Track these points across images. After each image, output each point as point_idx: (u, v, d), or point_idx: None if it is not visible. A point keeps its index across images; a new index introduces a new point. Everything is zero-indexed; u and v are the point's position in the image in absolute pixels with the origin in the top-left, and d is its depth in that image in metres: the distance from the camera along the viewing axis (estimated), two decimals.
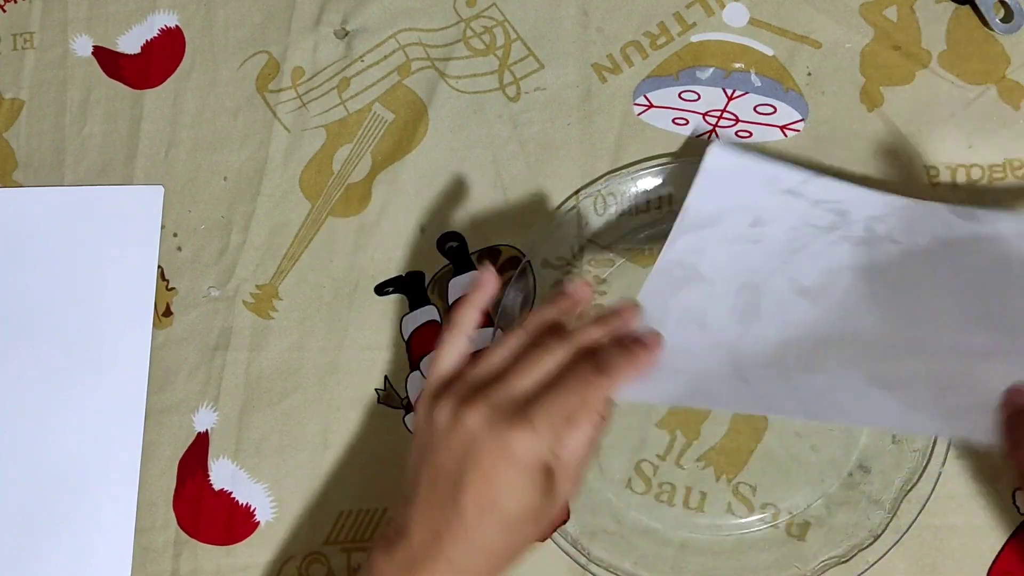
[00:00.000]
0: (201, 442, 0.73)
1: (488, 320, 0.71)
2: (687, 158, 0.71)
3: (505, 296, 0.71)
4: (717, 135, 0.72)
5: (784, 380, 0.60)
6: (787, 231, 0.65)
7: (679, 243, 0.65)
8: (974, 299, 0.63)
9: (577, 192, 0.73)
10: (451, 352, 0.60)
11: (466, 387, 0.57)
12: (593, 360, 0.56)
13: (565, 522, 0.68)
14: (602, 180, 0.72)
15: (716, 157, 0.65)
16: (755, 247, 0.65)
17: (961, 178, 0.70)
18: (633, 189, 0.72)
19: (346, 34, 0.79)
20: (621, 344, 0.58)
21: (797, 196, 0.65)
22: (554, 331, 0.58)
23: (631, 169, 0.72)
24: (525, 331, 0.59)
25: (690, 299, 0.64)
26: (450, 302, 0.73)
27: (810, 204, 0.65)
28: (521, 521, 0.55)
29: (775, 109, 0.73)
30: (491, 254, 0.73)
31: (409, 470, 0.58)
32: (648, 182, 0.72)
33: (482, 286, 0.61)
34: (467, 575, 0.55)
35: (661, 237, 0.70)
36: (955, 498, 0.64)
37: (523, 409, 0.54)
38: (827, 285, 0.64)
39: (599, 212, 0.72)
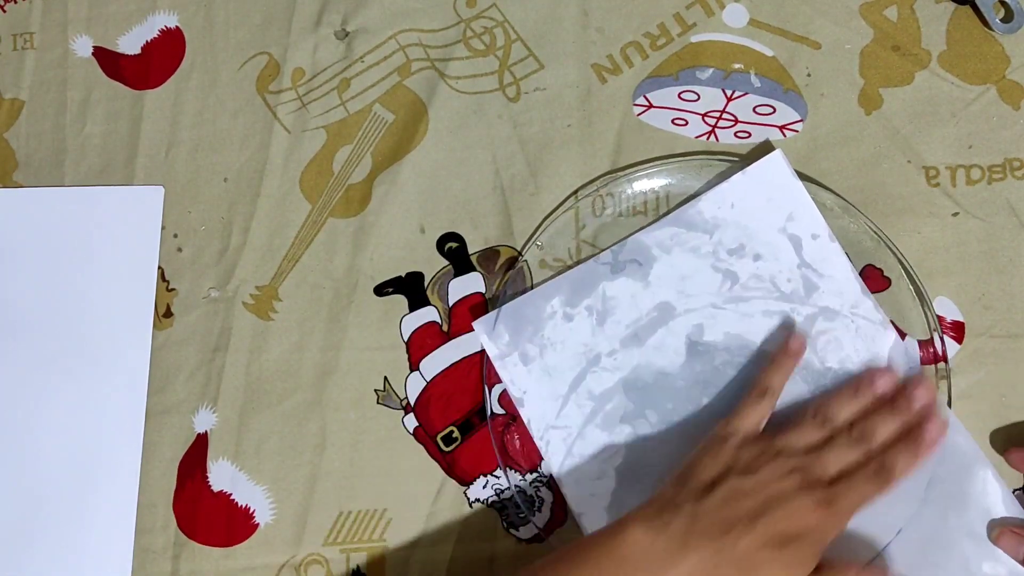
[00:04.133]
0: (201, 443, 0.73)
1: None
2: (685, 159, 0.71)
3: (502, 297, 0.71)
4: (716, 136, 0.72)
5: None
6: (750, 276, 0.69)
7: (662, 232, 0.71)
8: None
9: (575, 193, 0.73)
10: (755, 413, 0.64)
11: (784, 449, 0.62)
12: (880, 462, 0.61)
13: (563, 523, 0.68)
14: (600, 181, 0.72)
15: (774, 163, 0.70)
16: (711, 275, 0.70)
17: (961, 178, 0.70)
18: (630, 190, 0.72)
19: (346, 35, 0.79)
20: (907, 441, 0.62)
21: (795, 246, 0.69)
22: (854, 418, 0.64)
23: (629, 170, 0.72)
24: (834, 412, 0.64)
25: (615, 292, 0.70)
26: (450, 303, 0.73)
27: (794, 264, 0.69)
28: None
29: (774, 109, 0.72)
30: (490, 255, 0.73)
31: (690, 473, 0.62)
32: (645, 184, 0.72)
33: (795, 353, 0.66)
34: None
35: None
36: None
37: (829, 488, 0.60)
38: (712, 354, 0.69)
39: (597, 213, 0.72)
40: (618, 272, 0.70)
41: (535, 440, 0.69)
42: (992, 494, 0.64)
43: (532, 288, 0.71)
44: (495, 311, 0.71)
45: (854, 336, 0.67)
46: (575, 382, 0.69)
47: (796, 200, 0.69)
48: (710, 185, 0.71)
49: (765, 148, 0.71)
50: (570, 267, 0.71)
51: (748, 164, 0.70)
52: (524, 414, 0.69)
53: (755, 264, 0.69)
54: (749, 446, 0.62)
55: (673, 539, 0.58)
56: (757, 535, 0.58)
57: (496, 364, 0.70)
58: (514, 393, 0.70)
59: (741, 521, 0.58)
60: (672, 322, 0.69)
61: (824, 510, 0.59)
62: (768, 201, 0.70)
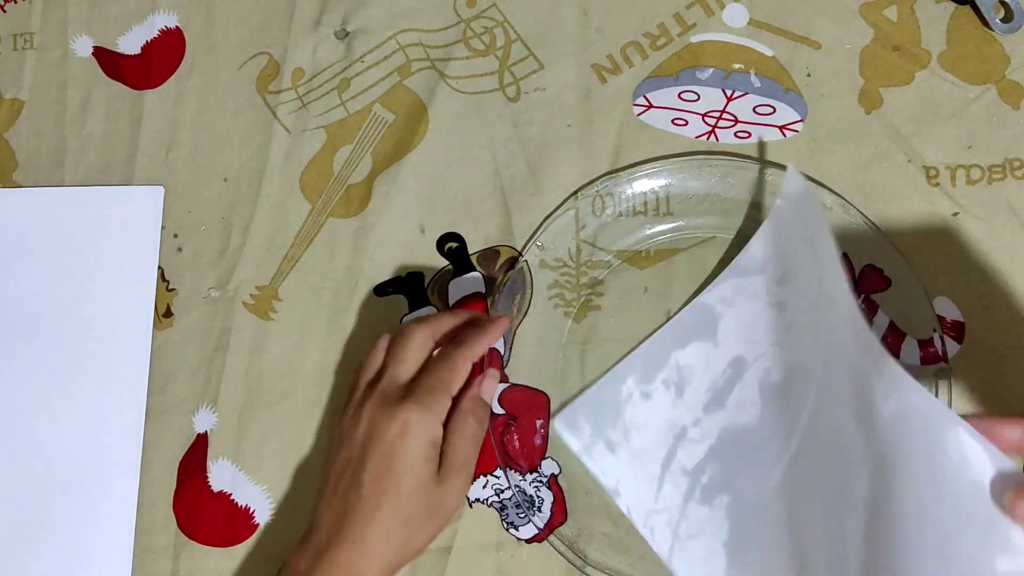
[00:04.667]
0: (201, 443, 0.73)
1: None
2: (685, 159, 0.71)
3: (502, 298, 0.71)
4: (716, 136, 0.72)
5: (681, 512, 0.65)
6: (798, 298, 0.66)
7: (723, 288, 0.68)
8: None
9: (575, 193, 0.73)
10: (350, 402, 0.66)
11: (359, 393, 0.64)
12: (453, 339, 0.66)
13: (563, 523, 0.68)
14: (600, 181, 0.72)
15: (792, 182, 0.66)
16: (767, 311, 0.67)
17: (961, 178, 0.70)
18: (630, 191, 0.72)
19: (346, 35, 0.79)
20: (473, 323, 0.67)
21: (813, 251, 0.64)
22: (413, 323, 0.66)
23: (629, 171, 0.72)
24: (389, 331, 0.67)
25: (689, 359, 0.68)
26: (450, 303, 0.73)
27: (817, 264, 0.63)
28: (415, 497, 0.60)
29: (774, 110, 0.72)
30: (490, 255, 0.73)
31: (320, 480, 0.64)
32: (645, 184, 0.72)
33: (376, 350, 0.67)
34: (370, 553, 0.59)
35: (657, 239, 0.71)
36: None
37: (407, 388, 0.62)
38: (782, 393, 0.66)
39: (597, 213, 0.72)
40: (687, 339, 0.68)
41: (639, 528, 0.66)
42: (975, 460, 0.49)
43: (531, 290, 0.71)
44: (571, 404, 0.68)
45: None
46: (666, 460, 0.66)
47: (817, 212, 0.65)
48: (710, 187, 0.71)
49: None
50: (572, 267, 0.71)
51: (779, 193, 0.68)
52: (622, 504, 0.66)
53: (796, 284, 0.66)
54: (344, 427, 0.64)
55: (310, 551, 0.60)
56: (371, 499, 0.59)
57: (583, 458, 0.67)
58: (607, 484, 0.67)
59: (349, 487, 0.60)
60: (746, 374, 0.67)
61: (407, 403, 0.61)
62: (806, 226, 0.65)
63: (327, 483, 0.63)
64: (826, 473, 0.61)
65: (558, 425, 0.68)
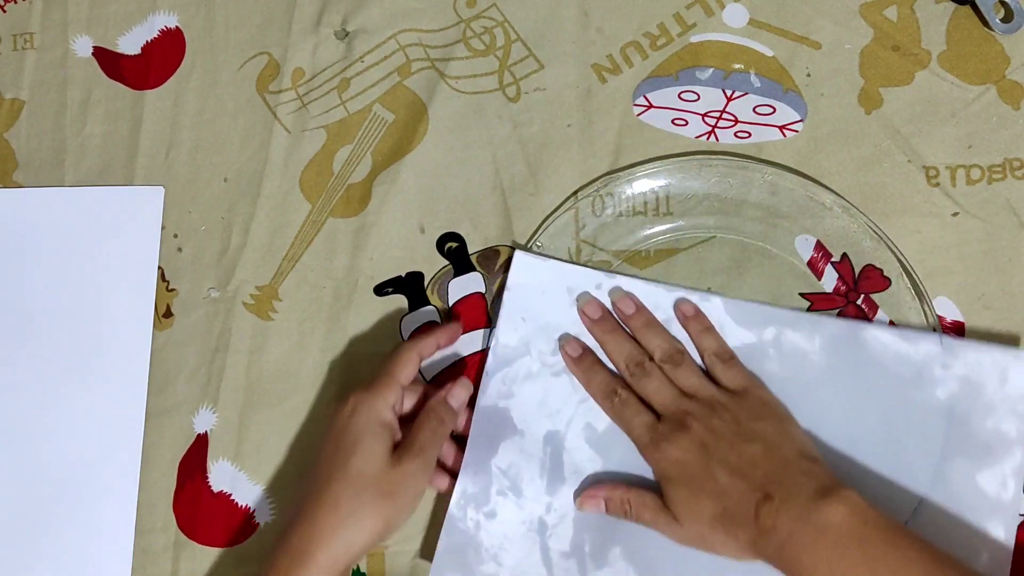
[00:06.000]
0: (201, 444, 0.73)
1: (486, 320, 0.71)
2: (685, 159, 0.71)
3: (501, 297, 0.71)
4: (716, 136, 0.72)
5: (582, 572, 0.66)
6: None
7: (492, 385, 0.70)
8: None
9: (575, 193, 0.73)
10: None
11: None
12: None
13: None
14: (600, 181, 0.72)
15: (521, 267, 0.71)
16: (555, 381, 0.69)
17: (961, 178, 0.70)
18: (630, 191, 0.72)
19: (346, 35, 0.79)
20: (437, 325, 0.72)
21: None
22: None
23: (629, 171, 0.72)
24: None
25: (507, 459, 0.68)
26: (450, 303, 0.73)
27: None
28: (364, 472, 0.61)
29: (774, 110, 0.72)
30: (490, 255, 0.73)
31: None
32: (645, 184, 0.72)
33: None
34: (319, 531, 0.60)
35: (657, 239, 0.71)
36: None
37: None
38: (616, 435, 0.67)
39: (597, 213, 0.72)
40: (494, 444, 0.69)
41: None
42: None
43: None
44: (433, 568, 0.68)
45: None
46: (545, 559, 0.67)
47: (563, 274, 0.70)
48: (709, 187, 0.71)
49: (508, 257, 0.72)
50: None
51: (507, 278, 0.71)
52: None
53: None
54: None
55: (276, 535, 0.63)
56: (321, 476, 0.63)
57: None
58: None
59: (308, 479, 0.64)
60: (567, 442, 0.68)
61: (356, 390, 0.65)
62: (544, 294, 0.70)
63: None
64: None
65: None
